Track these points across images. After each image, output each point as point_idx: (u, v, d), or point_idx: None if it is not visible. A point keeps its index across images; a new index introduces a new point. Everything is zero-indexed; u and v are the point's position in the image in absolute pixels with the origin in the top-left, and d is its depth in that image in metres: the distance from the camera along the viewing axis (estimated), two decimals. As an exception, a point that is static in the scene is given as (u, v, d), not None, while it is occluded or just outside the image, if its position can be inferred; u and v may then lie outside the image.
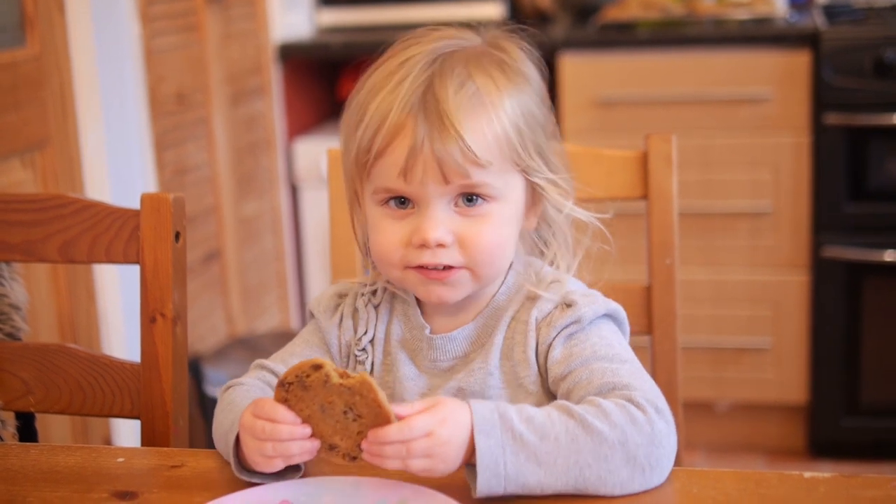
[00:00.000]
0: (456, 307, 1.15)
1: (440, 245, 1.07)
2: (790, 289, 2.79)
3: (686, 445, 2.21)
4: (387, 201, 1.10)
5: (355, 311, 1.20)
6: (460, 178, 1.06)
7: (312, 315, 1.23)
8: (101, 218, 1.34)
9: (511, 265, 1.17)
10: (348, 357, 1.20)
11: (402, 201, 1.09)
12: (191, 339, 1.36)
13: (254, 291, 2.95)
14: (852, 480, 1.00)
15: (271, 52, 3.00)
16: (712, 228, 2.81)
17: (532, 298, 1.14)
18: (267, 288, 3.03)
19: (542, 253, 1.20)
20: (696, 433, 2.90)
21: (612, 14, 3.01)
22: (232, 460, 1.06)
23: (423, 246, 1.08)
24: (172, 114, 2.53)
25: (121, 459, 1.14)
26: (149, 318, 1.32)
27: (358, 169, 1.11)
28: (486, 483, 0.97)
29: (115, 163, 2.33)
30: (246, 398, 1.13)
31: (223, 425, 1.12)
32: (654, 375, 1.43)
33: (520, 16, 3.21)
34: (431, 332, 1.16)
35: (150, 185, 2.43)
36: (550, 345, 1.11)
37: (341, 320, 1.20)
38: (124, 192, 2.32)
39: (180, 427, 1.32)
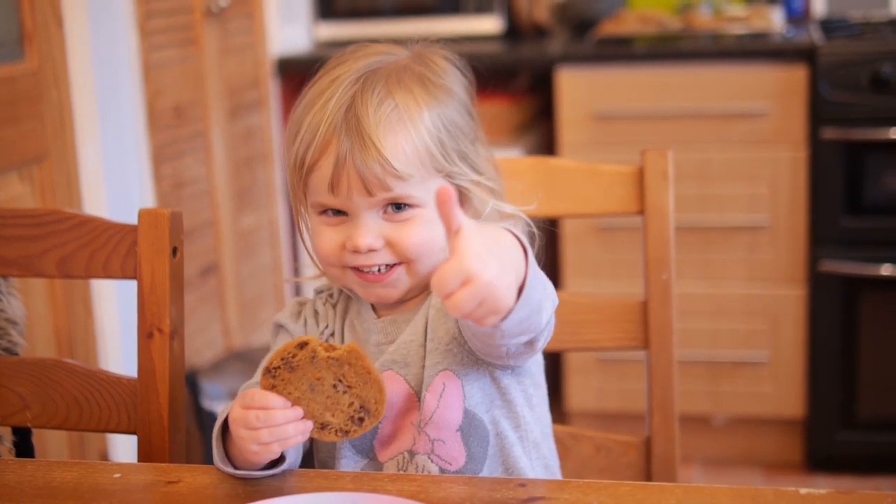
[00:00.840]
0: (403, 303, 1.23)
1: (371, 250, 1.15)
2: (787, 303, 2.80)
3: (683, 459, 2.21)
4: (324, 211, 1.18)
5: (316, 312, 1.27)
6: (383, 191, 1.14)
7: (280, 326, 1.29)
8: (99, 233, 1.35)
9: None
10: None
11: (337, 211, 1.18)
12: (187, 352, 1.36)
13: (251, 305, 2.95)
14: (848, 497, 1.00)
15: (269, 65, 3.01)
16: (709, 242, 2.81)
17: None
18: (264, 301, 3.03)
19: None
20: (693, 447, 2.90)
21: (610, 28, 3.01)
22: (216, 453, 1.10)
23: (356, 251, 1.16)
24: (170, 127, 2.54)
25: (117, 475, 1.14)
26: (146, 334, 1.32)
27: (297, 180, 1.19)
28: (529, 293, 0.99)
29: (113, 176, 2.33)
30: None
31: (217, 444, 1.14)
32: (650, 389, 1.44)
33: (517, 30, 3.22)
34: (377, 318, 1.24)
35: (148, 198, 2.43)
36: None
37: (305, 322, 1.27)
38: (122, 206, 2.32)
39: (177, 443, 1.32)
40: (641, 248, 1.45)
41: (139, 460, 1.32)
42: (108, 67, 2.31)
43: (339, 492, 1.06)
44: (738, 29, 2.90)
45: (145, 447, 1.32)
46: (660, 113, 2.78)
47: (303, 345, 1.03)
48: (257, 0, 2.95)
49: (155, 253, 1.32)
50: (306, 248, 1.27)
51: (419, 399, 1.19)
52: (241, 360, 2.62)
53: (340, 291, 1.27)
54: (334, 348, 1.02)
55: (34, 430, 1.47)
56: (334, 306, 1.27)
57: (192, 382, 2.47)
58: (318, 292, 1.29)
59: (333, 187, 1.14)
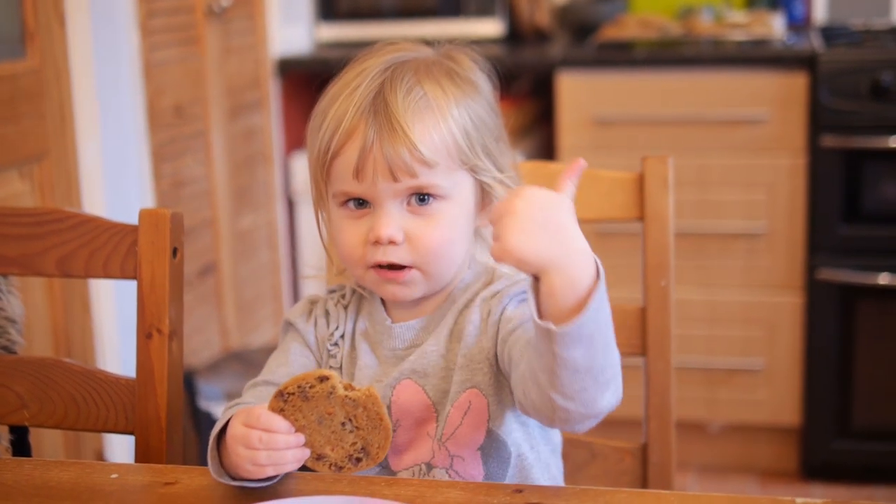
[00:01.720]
0: (417, 304, 1.22)
1: (392, 242, 1.14)
2: (784, 310, 2.80)
3: (678, 466, 2.21)
4: (346, 202, 1.17)
5: (327, 312, 1.26)
6: (409, 178, 1.13)
7: (290, 324, 1.28)
8: (99, 233, 1.35)
9: (470, 265, 1.24)
10: (324, 352, 1.25)
11: (360, 202, 1.16)
12: (185, 352, 1.36)
13: (249, 305, 2.95)
14: (843, 507, 1.00)
15: (270, 66, 3.01)
16: (707, 248, 2.81)
17: (486, 283, 1.22)
18: (262, 302, 3.03)
19: None
20: (689, 454, 2.90)
21: (611, 33, 3.02)
22: (211, 464, 1.09)
23: (377, 242, 1.15)
24: (170, 126, 2.54)
25: (115, 476, 1.14)
26: (145, 334, 1.32)
27: (319, 170, 1.18)
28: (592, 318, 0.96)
29: (113, 175, 2.33)
30: None
31: (212, 445, 1.13)
32: (647, 396, 1.44)
33: (518, 34, 3.22)
34: (392, 323, 1.23)
35: (147, 197, 2.43)
36: (501, 315, 1.17)
37: (315, 322, 1.26)
38: (121, 204, 2.32)
39: (175, 444, 1.32)
40: (640, 254, 1.45)
41: (136, 461, 1.32)
42: (109, 66, 2.31)
43: (336, 495, 1.06)
44: (738, 35, 2.91)
45: (143, 448, 1.32)
46: (659, 118, 2.79)
47: (324, 378, 1.01)
48: (259, 0, 2.95)
49: (155, 253, 1.32)
50: (324, 245, 1.26)
51: (437, 411, 1.18)
52: (239, 361, 2.62)
53: (353, 291, 1.26)
54: (353, 388, 1.01)
55: (31, 429, 1.47)
56: (346, 307, 1.26)
57: (188, 383, 2.47)
58: (331, 291, 1.28)
59: (358, 172, 1.13)
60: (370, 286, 1.20)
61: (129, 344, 1.35)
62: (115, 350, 2.32)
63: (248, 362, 2.59)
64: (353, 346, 1.24)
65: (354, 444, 1.02)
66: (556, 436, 1.26)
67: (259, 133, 2.99)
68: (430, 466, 1.18)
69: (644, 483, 1.44)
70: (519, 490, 1.07)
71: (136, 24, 2.37)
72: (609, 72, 2.83)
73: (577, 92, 2.82)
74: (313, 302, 1.28)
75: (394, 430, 1.19)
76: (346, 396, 1.01)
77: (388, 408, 1.19)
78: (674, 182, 1.43)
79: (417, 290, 1.18)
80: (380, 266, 1.16)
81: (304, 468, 1.07)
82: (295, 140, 3.17)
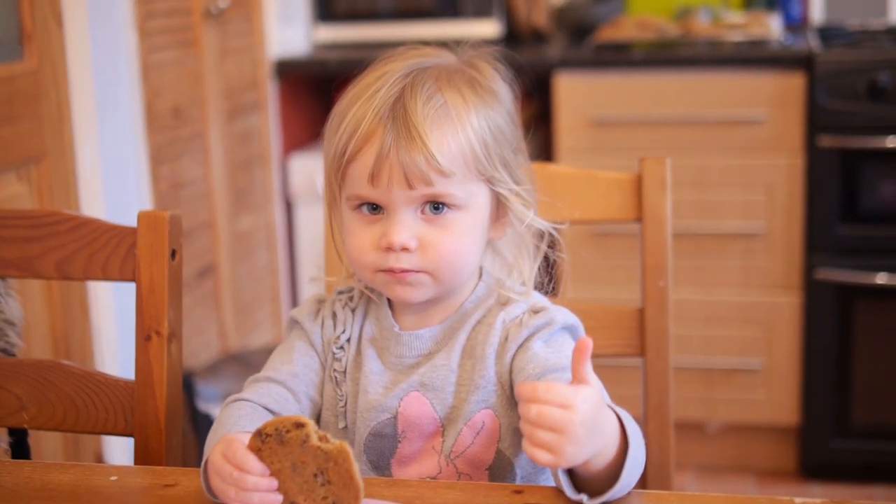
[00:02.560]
0: (425, 311, 1.21)
1: (404, 249, 1.14)
2: (782, 310, 2.80)
3: (676, 466, 2.21)
4: (359, 206, 1.16)
5: (334, 314, 1.25)
6: (424, 186, 1.12)
7: (296, 322, 1.27)
8: (98, 235, 1.35)
9: (482, 276, 1.24)
10: (329, 354, 1.25)
11: (374, 207, 1.16)
12: (184, 354, 1.36)
13: (247, 307, 2.95)
14: (842, 507, 1.00)
15: (268, 67, 3.01)
16: (705, 249, 2.82)
17: (502, 304, 1.21)
18: (261, 303, 3.03)
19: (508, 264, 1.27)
20: (687, 454, 2.90)
21: (608, 34, 3.02)
22: (202, 482, 1.07)
23: (389, 249, 1.14)
24: (168, 128, 2.54)
25: (114, 478, 1.14)
26: (144, 336, 1.32)
27: (334, 173, 1.17)
28: (624, 486, 1.01)
29: (111, 177, 2.33)
30: (237, 423, 1.15)
31: (209, 444, 1.13)
32: (645, 396, 1.44)
33: (516, 35, 3.22)
34: (400, 330, 1.22)
35: (146, 199, 2.43)
36: (522, 345, 1.17)
37: (322, 323, 1.26)
38: (119, 206, 2.32)
39: (174, 446, 1.32)
40: (638, 255, 1.45)
41: (136, 463, 1.32)
42: (107, 68, 2.31)
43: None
44: (736, 36, 2.91)
45: (142, 450, 1.32)
46: (657, 119, 2.79)
47: (300, 425, 0.98)
48: (256, 2, 2.95)
49: (154, 255, 1.32)
50: (336, 249, 1.25)
51: (443, 425, 1.18)
52: (237, 362, 2.62)
53: (361, 294, 1.26)
54: (327, 440, 0.98)
55: (30, 432, 1.47)
56: (353, 310, 1.25)
57: (187, 384, 2.47)
58: (339, 292, 1.27)
59: (374, 178, 1.12)
60: (379, 287, 1.20)
61: (127, 346, 1.36)
62: (114, 352, 2.32)
63: (246, 364, 2.59)
64: (358, 351, 1.23)
65: (326, 498, 0.99)
66: None
67: (257, 134, 2.99)
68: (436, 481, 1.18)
69: (643, 483, 1.44)
70: (518, 491, 1.07)
71: (133, 26, 2.37)
72: (607, 73, 2.83)
73: (574, 93, 2.82)
74: (320, 301, 1.28)
75: (399, 442, 1.19)
76: (318, 448, 0.97)
77: (394, 419, 1.19)
78: (672, 183, 1.44)
79: (425, 292, 1.17)
80: (391, 270, 1.15)
81: None
82: (293, 141, 3.17)
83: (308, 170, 3.05)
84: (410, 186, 1.12)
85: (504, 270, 1.25)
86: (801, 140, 2.72)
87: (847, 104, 2.65)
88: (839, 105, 2.65)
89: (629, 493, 1.05)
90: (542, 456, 0.94)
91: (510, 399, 1.17)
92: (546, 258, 1.27)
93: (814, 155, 2.70)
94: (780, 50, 2.79)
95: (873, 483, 2.78)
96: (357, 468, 0.97)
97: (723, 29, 2.99)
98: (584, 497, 1.00)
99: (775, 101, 2.72)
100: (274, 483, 1.00)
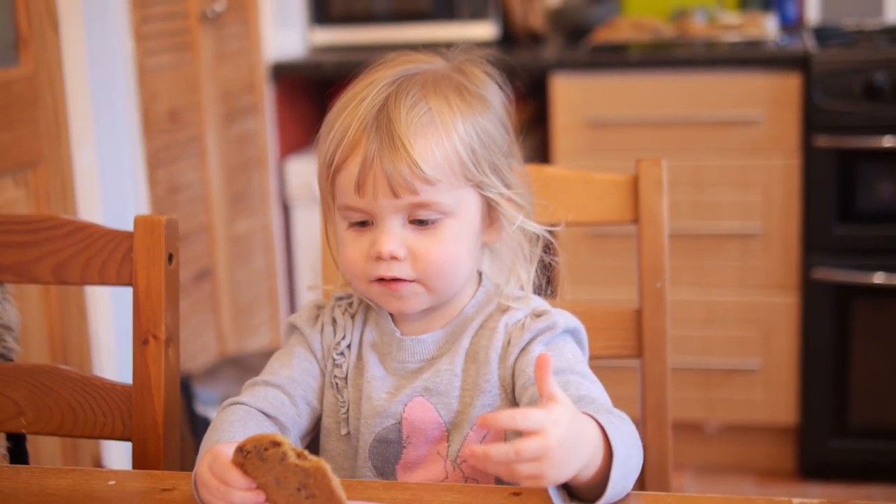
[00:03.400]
0: (425, 316, 1.21)
1: (394, 258, 1.13)
2: (780, 310, 2.80)
3: (675, 466, 2.21)
4: (351, 225, 1.16)
5: (333, 320, 1.25)
6: (409, 194, 1.12)
7: (295, 328, 1.27)
8: (95, 239, 1.35)
9: (481, 282, 1.23)
10: (329, 360, 1.24)
11: (363, 223, 1.15)
12: (181, 357, 1.36)
13: (245, 310, 2.95)
14: (840, 507, 1.00)
15: (264, 70, 3.01)
16: (702, 249, 2.82)
17: (502, 310, 1.21)
18: (258, 306, 3.03)
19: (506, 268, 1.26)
20: (686, 454, 2.90)
21: (604, 35, 3.02)
22: (194, 492, 1.07)
23: (379, 258, 1.14)
24: (165, 132, 2.54)
25: (112, 482, 1.14)
26: (141, 340, 1.32)
27: (325, 182, 1.17)
28: (620, 491, 1.01)
29: (108, 181, 2.33)
30: (231, 427, 1.15)
31: (202, 449, 1.14)
32: (643, 397, 1.44)
33: (512, 37, 3.23)
34: (402, 335, 1.21)
35: (143, 203, 2.43)
36: (524, 348, 1.17)
37: (322, 328, 1.25)
38: (117, 211, 2.32)
39: (172, 450, 1.32)
40: (635, 256, 1.45)
41: (134, 467, 1.32)
42: (104, 72, 2.31)
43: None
44: (732, 37, 2.91)
45: (140, 454, 1.32)
46: (654, 120, 2.79)
47: (276, 444, 0.98)
48: (252, 5, 2.95)
49: (151, 260, 1.32)
50: (332, 256, 1.25)
51: (448, 430, 1.18)
52: (235, 366, 2.62)
53: (360, 301, 1.25)
54: (305, 457, 0.97)
55: (28, 437, 1.47)
56: (353, 316, 1.25)
57: (185, 388, 2.47)
58: (339, 298, 1.27)
59: (359, 188, 1.12)
60: (375, 299, 1.19)
61: (125, 350, 1.36)
62: (112, 357, 2.32)
63: (244, 367, 2.59)
64: (360, 357, 1.23)
65: None
66: None
67: (254, 138, 2.99)
68: None
69: (641, 484, 1.44)
70: (517, 493, 1.07)
71: (129, 30, 2.37)
72: (603, 74, 2.83)
73: (571, 94, 2.82)
74: (320, 307, 1.27)
75: (404, 448, 1.19)
76: (296, 465, 0.97)
77: (399, 424, 1.19)
78: (668, 183, 1.44)
79: (420, 302, 1.17)
80: (382, 279, 1.15)
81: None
82: (290, 144, 3.17)
83: (305, 172, 3.05)
84: (395, 195, 1.12)
85: (503, 274, 1.25)
86: (797, 140, 2.72)
87: (843, 104, 2.65)
88: (835, 105, 2.65)
89: (627, 496, 1.05)
90: (528, 483, 0.94)
91: (514, 403, 1.17)
92: (542, 260, 1.26)
93: (810, 155, 2.70)
94: (777, 50, 2.79)
95: (871, 482, 2.78)
96: (337, 483, 0.96)
97: (719, 30, 2.99)
98: None
99: (772, 101, 2.72)
100: (261, 497, 1.00)
